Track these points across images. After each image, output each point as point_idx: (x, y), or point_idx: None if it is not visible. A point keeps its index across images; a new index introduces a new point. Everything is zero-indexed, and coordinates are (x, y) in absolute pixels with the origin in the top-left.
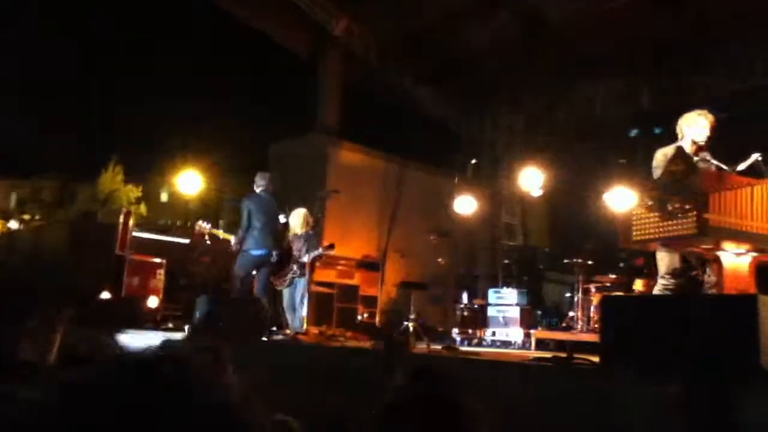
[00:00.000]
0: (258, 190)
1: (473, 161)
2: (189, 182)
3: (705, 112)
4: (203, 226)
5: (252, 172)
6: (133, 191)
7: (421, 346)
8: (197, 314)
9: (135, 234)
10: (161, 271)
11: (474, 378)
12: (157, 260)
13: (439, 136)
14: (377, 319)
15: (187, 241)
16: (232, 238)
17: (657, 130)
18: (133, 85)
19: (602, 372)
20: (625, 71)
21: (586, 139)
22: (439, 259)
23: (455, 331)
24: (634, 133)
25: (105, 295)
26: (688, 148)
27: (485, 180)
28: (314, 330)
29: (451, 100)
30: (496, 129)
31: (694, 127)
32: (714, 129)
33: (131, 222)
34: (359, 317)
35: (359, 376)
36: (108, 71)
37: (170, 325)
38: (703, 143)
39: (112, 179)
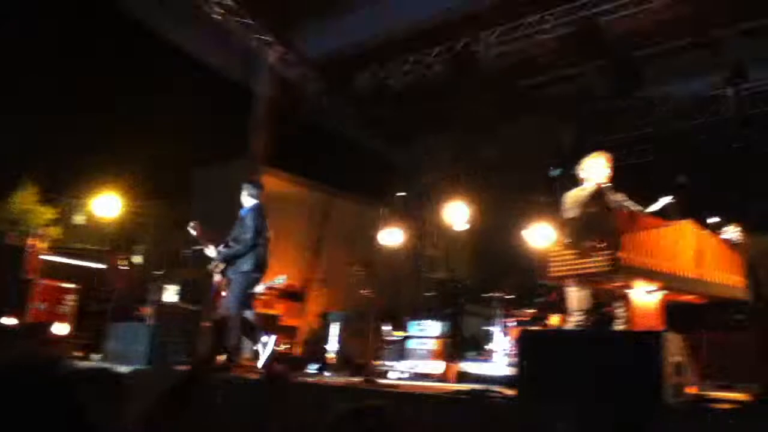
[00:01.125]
0: (256, 202)
1: (400, 193)
2: (107, 205)
3: (601, 153)
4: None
5: (176, 196)
6: (48, 212)
7: (341, 378)
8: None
9: (46, 257)
10: (72, 297)
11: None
12: (68, 285)
13: (367, 167)
14: (299, 349)
15: (103, 266)
16: (213, 253)
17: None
18: (51, 101)
19: (517, 405)
20: (548, 110)
21: (510, 175)
22: (362, 290)
23: (376, 362)
24: (555, 172)
25: (9, 320)
26: (592, 189)
27: (411, 212)
28: (221, 358)
29: (382, 130)
30: (424, 161)
31: (595, 169)
32: (612, 165)
33: (42, 245)
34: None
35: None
36: (25, 86)
37: (77, 354)
38: (605, 181)
39: (25, 199)
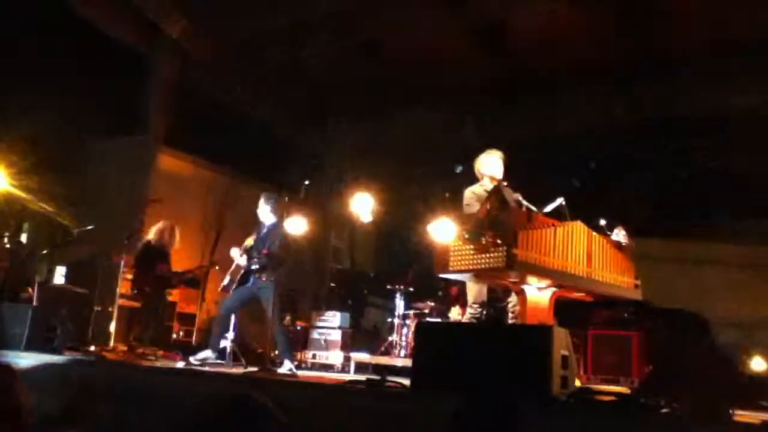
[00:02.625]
0: (275, 218)
1: (306, 182)
2: None
3: (495, 150)
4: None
5: (67, 170)
6: None
7: (238, 368)
8: None
9: None
10: None
11: (288, 400)
12: None
13: (273, 153)
14: (196, 337)
15: None
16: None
17: None
18: None
19: (410, 395)
20: (453, 104)
21: (416, 168)
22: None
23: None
24: (459, 168)
25: None
26: (490, 185)
27: (316, 200)
28: (122, 347)
29: (288, 115)
30: (331, 150)
31: (489, 166)
32: (507, 165)
33: None
34: (174, 335)
35: (163, 396)
36: None
37: None
38: (501, 177)
39: None
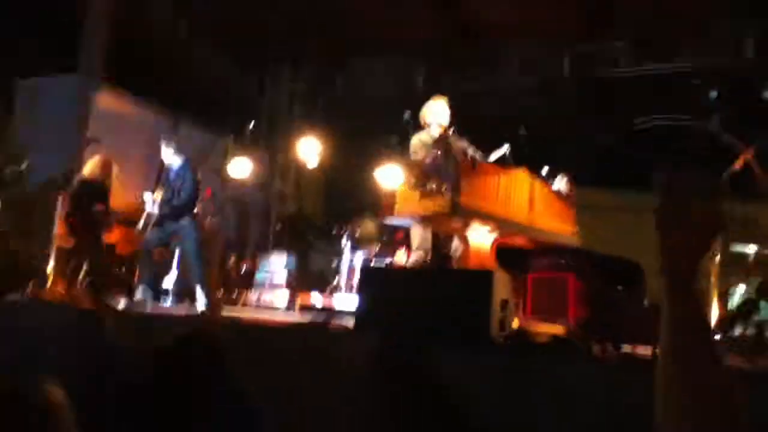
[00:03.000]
0: (183, 156)
1: (251, 123)
2: None
3: (441, 97)
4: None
5: None
6: None
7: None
8: None
9: None
10: None
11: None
12: None
13: (217, 94)
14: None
15: None
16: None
17: None
18: None
19: (353, 337)
20: (404, 52)
21: (363, 114)
22: (209, 218)
23: (220, 294)
24: (407, 115)
25: None
26: (437, 132)
27: (262, 144)
28: (59, 288)
29: (232, 57)
30: (276, 93)
31: (436, 113)
32: (453, 111)
33: None
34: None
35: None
36: None
37: None
38: (447, 123)
39: None
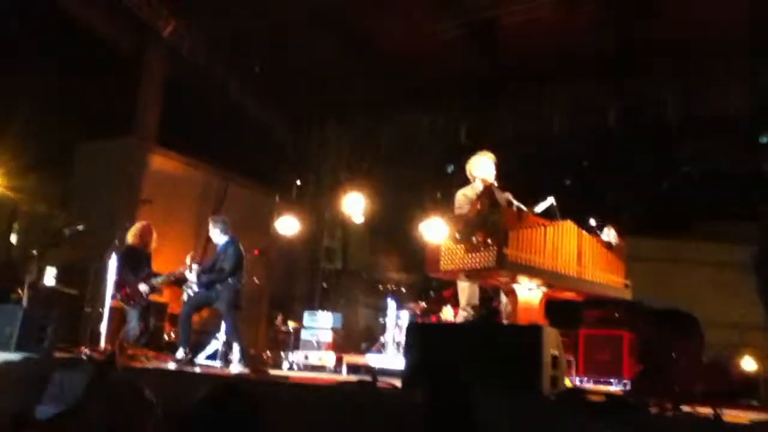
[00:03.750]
0: (229, 236)
1: (298, 182)
2: None
3: (486, 152)
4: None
5: (58, 171)
6: None
7: (231, 369)
8: None
9: None
10: None
11: (280, 401)
12: None
13: (265, 153)
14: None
15: None
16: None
17: None
18: None
19: (400, 395)
20: (444, 105)
21: (408, 168)
22: (255, 278)
23: (267, 353)
24: (450, 169)
25: None
26: (481, 187)
27: (309, 200)
28: (111, 348)
29: (280, 113)
30: (322, 149)
31: (482, 168)
32: (498, 166)
33: None
34: (166, 336)
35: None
36: None
37: None
38: (492, 180)
39: None
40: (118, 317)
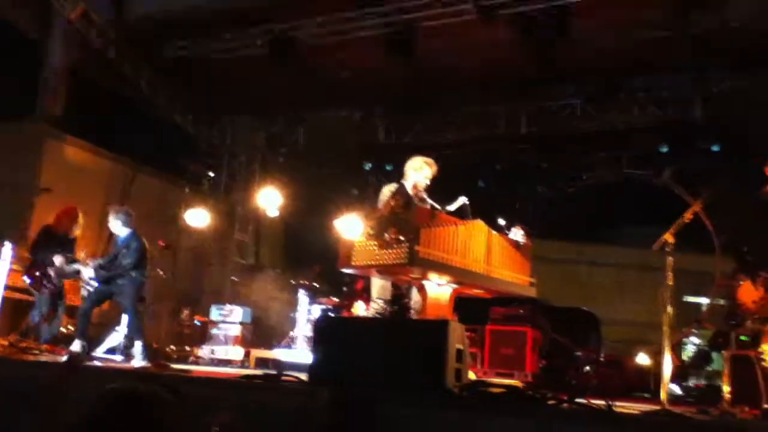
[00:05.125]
0: (131, 229)
1: (211, 174)
2: None
3: (431, 161)
4: None
5: None
6: None
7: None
8: None
9: None
10: None
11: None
12: None
13: (174, 143)
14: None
15: None
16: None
17: (388, 167)
18: None
19: (306, 390)
20: (365, 105)
21: (324, 165)
22: (160, 271)
23: (173, 347)
24: (368, 166)
25: None
26: (410, 189)
27: (221, 194)
28: (2, 341)
29: (191, 107)
30: (235, 143)
31: (420, 173)
32: (434, 178)
33: None
34: (63, 329)
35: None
36: None
37: None
38: (422, 187)
39: None
40: (10, 309)
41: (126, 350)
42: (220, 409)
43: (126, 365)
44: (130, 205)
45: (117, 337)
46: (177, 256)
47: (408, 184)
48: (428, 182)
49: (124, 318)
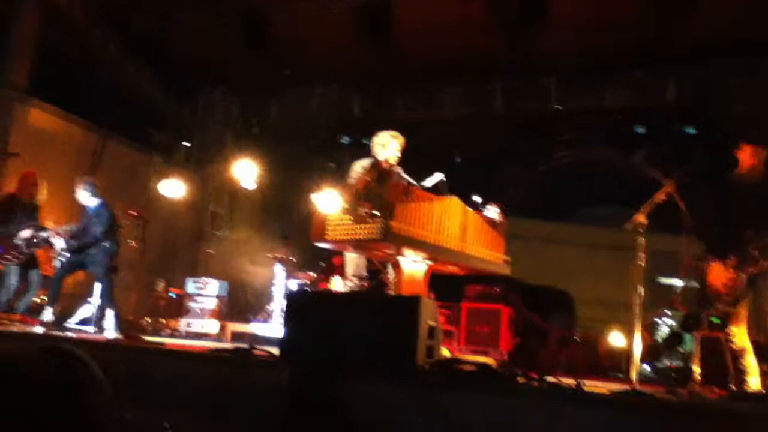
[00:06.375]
0: (100, 199)
1: (185, 144)
2: None
3: (397, 134)
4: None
5: None
6: None
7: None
8: None
9: None
10: None
11: (153, 369)
12: None
13: (145, 113)
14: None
15: None
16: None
17: (365, 141)
18: None
19: (277, 365)
20: (340, 80)
21: (300, 138)
22: (131, 242)
23: (146, 319)
24: (344, 140)
25: None
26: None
27: (194, 165)
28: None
29: (163, 77)
30: (209, 115)
31: (388, 148)
32: (403, 149)
33: None
34: (36, 299)
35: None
36: None
37: None
38: (394, 162)
39: None
40: None
41: (99, 321)
42: (190, 383)
43: (98, 336)
44: (100, 174)
45: (89, 308)
46: (149, 226)
47: (379, 159)
48: (398, 155)
49: (97, 288)
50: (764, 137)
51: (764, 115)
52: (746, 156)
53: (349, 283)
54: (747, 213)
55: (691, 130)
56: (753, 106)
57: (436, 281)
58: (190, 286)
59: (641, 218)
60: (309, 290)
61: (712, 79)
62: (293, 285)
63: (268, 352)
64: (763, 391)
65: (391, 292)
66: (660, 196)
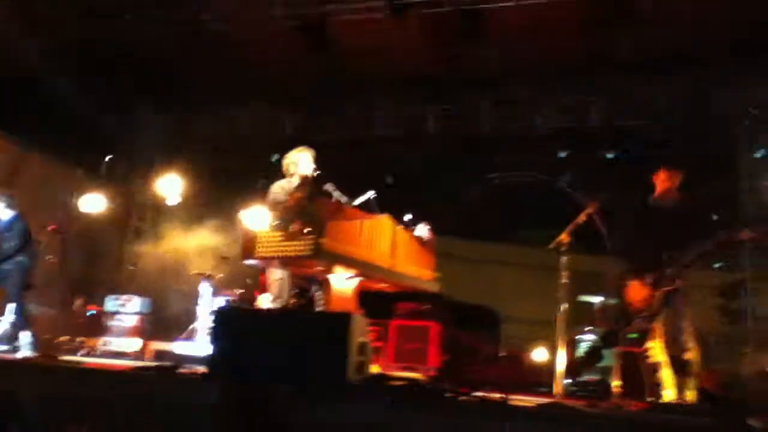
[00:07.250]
0: (15, 211)
1: (108, 158)
2: None
3: (304, 147)
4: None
5: None
6: None
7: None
8: None
9: None
10: None
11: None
12: None
13: (68, 125)
14: None
15: None
16: None
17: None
18: None
19: (204, 384)
20: (272, 98)
21: (230, 155)
22: (49, 257)
23: (63, 338)
24: (275, 158)
25: None
26: (298, 182)
27: (118, 180)
28: None
29: (93, 90)
30: (135, 129)
31: (301, 164)
32: (316, 160)
33: None
34: None
35: None
36: None
37: None
38: (311, 175)
39: None
40: None
41: (12, 339)
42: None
43: (11, 356)
44: (18, 187)
45: (1, 326)
46: (68, 242)
47: (296, 179)
48: (314, 166)
49: (10, 306)
50: (680, 161)
51: (679, 139)
52: (661, 180)
53: (277, 301)
54: (663, 234)
55: (612, 155)
56: (670, 132)
57: (366, 298)
58: (110, 303)
59: (565, 238)
60: (238, 307)
61: (634, 103)
62: (220, 302)
63: (194, 371)
64: (681, 402)
65: (320, 309)
66: (581, 218)
